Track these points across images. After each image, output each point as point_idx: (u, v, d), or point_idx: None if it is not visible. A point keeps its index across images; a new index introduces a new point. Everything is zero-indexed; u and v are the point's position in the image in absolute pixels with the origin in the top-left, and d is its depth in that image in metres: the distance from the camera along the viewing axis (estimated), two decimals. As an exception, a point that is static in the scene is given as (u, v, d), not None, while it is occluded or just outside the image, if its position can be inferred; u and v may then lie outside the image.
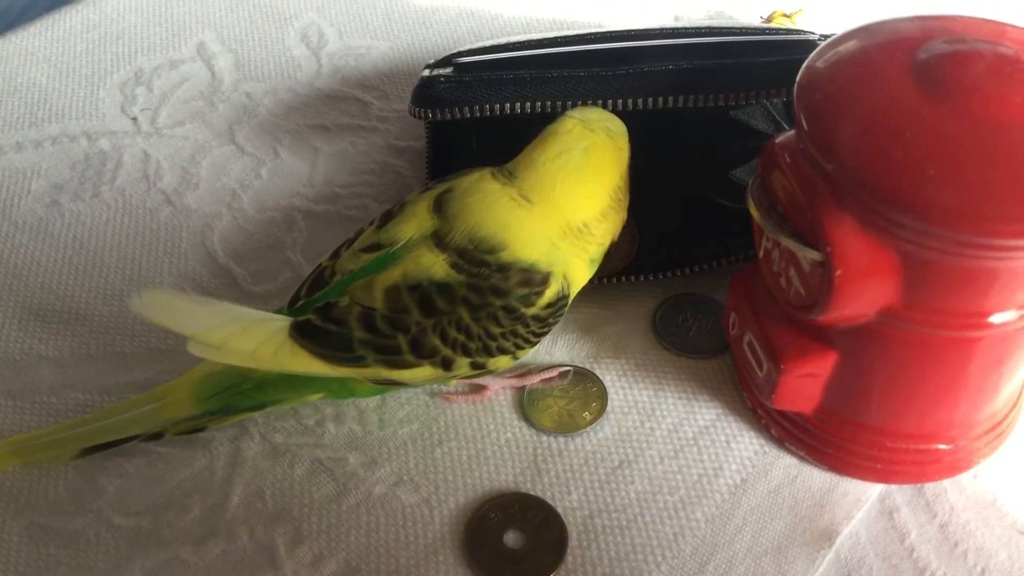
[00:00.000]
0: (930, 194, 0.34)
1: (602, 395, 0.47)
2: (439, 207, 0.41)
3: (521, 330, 0.41)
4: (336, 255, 0.43)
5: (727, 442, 0.45)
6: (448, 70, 0.48)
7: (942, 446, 0.43)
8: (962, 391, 0.41)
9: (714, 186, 0.53)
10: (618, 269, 0.50)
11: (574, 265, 0.42)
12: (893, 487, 0.44)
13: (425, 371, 0.41)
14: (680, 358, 0.48)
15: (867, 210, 0.35)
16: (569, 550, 0.41)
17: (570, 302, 0.42)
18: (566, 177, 0.41)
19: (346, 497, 0.43)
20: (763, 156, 0.40)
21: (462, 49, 0.51)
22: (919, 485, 0.44)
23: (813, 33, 0.49)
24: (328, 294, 0.41)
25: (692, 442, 0.45)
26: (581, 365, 0.48)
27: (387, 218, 0.42)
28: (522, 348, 0.42)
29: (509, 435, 0.45)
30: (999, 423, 0.44)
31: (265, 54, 0.66)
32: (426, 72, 0.48)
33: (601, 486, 0.44)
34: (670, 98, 0.46)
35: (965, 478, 0.44)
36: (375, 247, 0.41)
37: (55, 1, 0.72)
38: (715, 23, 0.62)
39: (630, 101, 0.45)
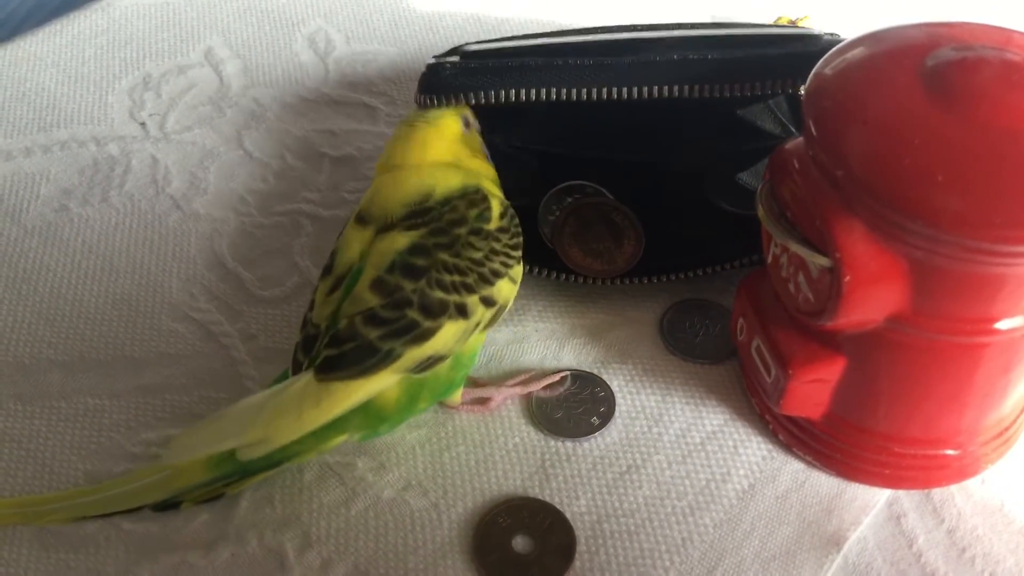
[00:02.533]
0: (938, 200, 0.34)
1: (610, 400, 0.47)
2: (364, 222, 0.43)
3: (497, 246, 0.43)
4: (312, 306, 0.43)
5: (735, 447, 0.45)
6: (454, 59, 0.48)
7: (950, 452, 0.43)
8: (970, 397, 0.41)
9: (721, 190, 0.53)
10: (623, 271, 0.50)
11: (489, 186, 0.45)
12: (901, 492, 0.44)
13: (449, 329, 0.41)
14: (688, 363, 0.48)
15: (876, 216, 0.35)
16: (577, 555, 0.41)
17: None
18: (422, 144, 0.46)
19: (355, 502, 0.43)
20: (772, 162, 0.41)
21: (469, 42, 0.51)
22: (927, 491, 0.44)
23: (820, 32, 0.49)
24: (324, 335, 0.41)
25: (700, 447, 0.45)
26: (588, 370, 0.48)
27: (329, 268, 0.43)
28: (510, 266, 0.43)
29: (517, 440, 0.45)
30: (1006, 429, 0.44)
31: (273, 60, 0.66)
32: (432, 61, 0.49)
33: (609, 491, 0.44)
34: (675, 87, 0.45)
35: (973, 484, 0.44)
36: (337, 284, 0.42)
37: (61, 5, 0.72)
38: (722, 22, 0.62)
39: (635, 90, 0.46)
